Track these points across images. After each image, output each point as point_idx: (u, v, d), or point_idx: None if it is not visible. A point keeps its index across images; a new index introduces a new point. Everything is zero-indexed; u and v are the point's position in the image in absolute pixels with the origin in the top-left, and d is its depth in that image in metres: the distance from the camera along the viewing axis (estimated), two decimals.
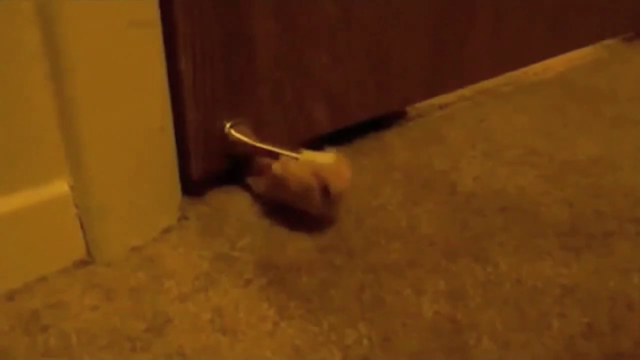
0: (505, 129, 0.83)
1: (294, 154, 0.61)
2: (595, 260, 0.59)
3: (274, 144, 0.64)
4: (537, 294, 0.54)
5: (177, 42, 0.59)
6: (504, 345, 0.49)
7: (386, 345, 0.49)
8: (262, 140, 0.65)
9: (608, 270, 0.57)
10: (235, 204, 0.67)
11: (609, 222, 0.64)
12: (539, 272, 0.57)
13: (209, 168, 0.66)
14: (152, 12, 0.54)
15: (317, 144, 0.70)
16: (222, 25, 0.62)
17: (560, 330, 0.51)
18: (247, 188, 0.69)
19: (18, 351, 0.49)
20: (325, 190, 0.59)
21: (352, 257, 0.59)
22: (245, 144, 0.65)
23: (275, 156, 0.63)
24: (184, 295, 0.54)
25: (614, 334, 0.51)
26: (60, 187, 0.56)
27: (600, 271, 0.57)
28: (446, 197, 0.69)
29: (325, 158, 0.60)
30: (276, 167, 0.62)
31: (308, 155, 0.61)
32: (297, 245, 0.61)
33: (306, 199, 0.61)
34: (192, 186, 0.67)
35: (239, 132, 0.65)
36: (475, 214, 0.65)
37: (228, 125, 0.65)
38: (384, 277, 0.56)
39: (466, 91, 0.92)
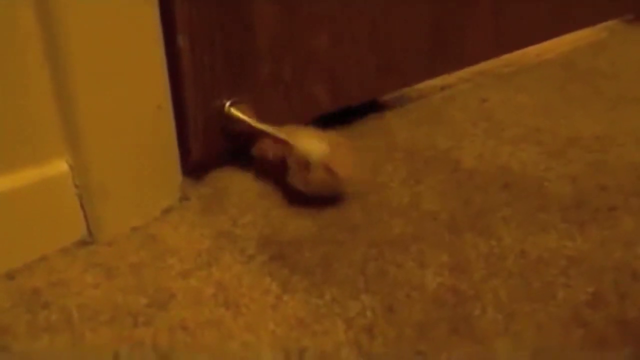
0: (507, 109, 0.83)
1: (288, 139, 0.61)
2: (599, 232, 0.58)
3: (272, 125, 0.64)
4: (542, 265, 0.54)
5: (175, 20, 0.58)
6: (509, 315, 0.49)
7: (390, 316, 0.49)
8: (262, 120, 0.65)
9: (612, 243, 0.57)
10: (236, 184, 0.66)
11: (613, 196, 0.64)
12: (543, 245, 0.57)
13: (209, 147, 0.66)
14: None
15: (319, 125, 0.70)
16: (221, 3, 0.61)
17: (566, 299, 0.50)
18: (247, 168, 0.68)
19: (20, 327, 0.48)
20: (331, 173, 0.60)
21: (354, 233, 0.59)
22: (244, 122, 0.64)
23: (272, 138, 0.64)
24: (186, 271, 0.54)
25: (619, 303, 0.50)
26: (60, 166, 0.56)
27: (605, 243, 0.57)
28: (449, 174, 0.68)
29: (319, 148, 0.60)
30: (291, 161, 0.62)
31: (302, 142, 0.61)
32: (299, 222, 0.60)
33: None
34: (193, 167, 0.66)
35: (239, 110, 0.64)
36: (479, 190, 0.65)
37: (228, 103, 0.65)
38: (387, 251, 0.56)
39: (467, 72, 0.92)
